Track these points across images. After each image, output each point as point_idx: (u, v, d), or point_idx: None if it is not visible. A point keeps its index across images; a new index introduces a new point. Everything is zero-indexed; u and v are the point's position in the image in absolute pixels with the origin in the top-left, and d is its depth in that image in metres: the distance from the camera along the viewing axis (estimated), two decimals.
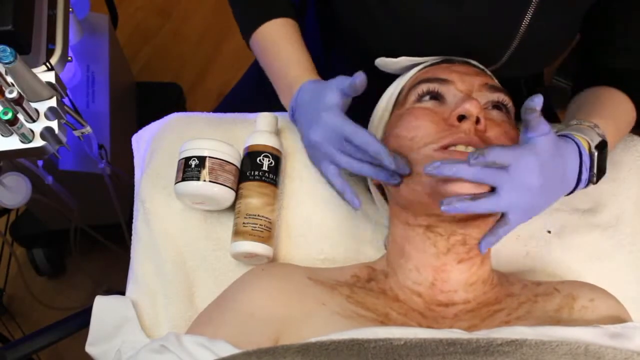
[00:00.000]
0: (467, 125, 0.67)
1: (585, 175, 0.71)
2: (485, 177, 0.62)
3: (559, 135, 0.71)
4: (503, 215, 0.66)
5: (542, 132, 0.63)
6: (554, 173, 0.66)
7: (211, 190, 0.80)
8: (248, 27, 0.87)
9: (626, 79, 0.82)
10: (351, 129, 0.70)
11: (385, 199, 0.80)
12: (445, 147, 0.67)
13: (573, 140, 0.71)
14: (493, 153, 0.60)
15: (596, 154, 0.71)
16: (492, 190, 0.64)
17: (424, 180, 0.66)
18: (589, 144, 0.71)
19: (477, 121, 0.67)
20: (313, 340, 0.58)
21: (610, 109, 0.80)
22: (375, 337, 0.58)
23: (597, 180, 0.72)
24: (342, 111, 0.73)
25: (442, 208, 0.62)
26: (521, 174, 0.63)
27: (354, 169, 0.72)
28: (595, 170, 0.71)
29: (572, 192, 0.72)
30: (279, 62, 0.84)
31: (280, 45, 0.84)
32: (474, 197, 0.62)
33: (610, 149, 0.75)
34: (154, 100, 1.74)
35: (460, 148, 0.66)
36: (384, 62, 0.79)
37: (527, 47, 0.79)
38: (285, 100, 0.84)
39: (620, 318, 0.70)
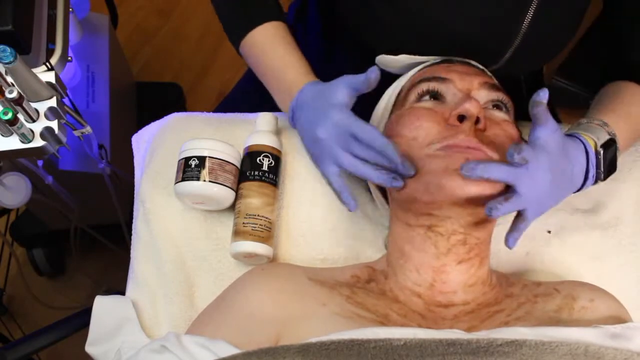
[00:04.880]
0: (467, 125, 0.67)
1: (592, 173, 0.72)
2: (510, 177, 0.63)
3: (566, 135, 0.72)
4: (521, 212, 0.68)
5: (551, 128, 0.65)
6: (562, 170, 0.68)
7: (211, 190, 0.80)
8: (237, 35, 0.85)
9: None
10: (359, 124, 0.70)
11: (386, 199, 0.80)
12: (446, 147, 0.67)
13: (579, 139, 0.72)
14: (526, 152, 0.62)
15: (602, 152, 0.72)
16: (507, 187, 0.65)
17: (426, 179, 0.66)
18: (595, 142, 0.72)
19: (477, 121, 0.67)
20: (313, 340, 0.58)
21: (625, 105, 0.80)
22: (375, 338, 0.58)
23: (606, 177, 0.74)
24: (349, 109, 0.72)
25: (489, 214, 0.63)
26: (536, 172, 0.64)
27: (357, 171, 0.71)
28: (602, 169, 0.73)
29: (579, 189, 0.73)
30: (274, 66, 0.83)
31: (273, 49, 0.83)
32: (504, 199, 0.64)
33: (625, 146, 0.76)
34: (154, 100, 1.74)
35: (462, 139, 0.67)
36: (385, 60, 0.79)
37: (528, 46, 0.79)
38: (283, 104, 0.83)
39: (620, 318, 0.70)
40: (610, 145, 0.73)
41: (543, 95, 0.63)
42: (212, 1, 0.88)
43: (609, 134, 0.74)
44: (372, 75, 0.69)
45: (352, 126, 0.70)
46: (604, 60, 0.88)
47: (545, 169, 0.65)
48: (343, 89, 0.72)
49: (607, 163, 0.73)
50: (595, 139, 0.73)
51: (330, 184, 0.76)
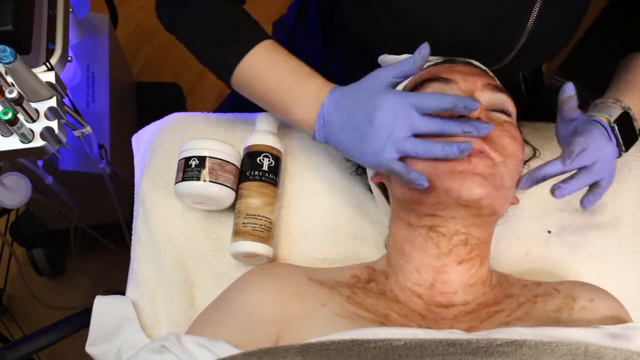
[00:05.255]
0: None
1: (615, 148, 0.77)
2: (589, 178, 0.74)
3: None
4: (596, 183, 0.76)
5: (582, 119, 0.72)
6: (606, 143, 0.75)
7: (211, 190, 0.80)
8: (228, 65, 0.77)
9: None
10: (418, 93, 0.67)
11: (387, 198, 0.80)
12: None
13: (595, 120, 0.76)
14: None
15: (616, 127, 0.76)
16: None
17: (432, 182, 0.66)
18: (608, 119, 0.76)
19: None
20: (313, 340, 0.58)
21: (638, 75, 0.83)
22: (375, 338, 0.58)
23: (628, 149, 0.78)
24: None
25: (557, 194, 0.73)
26: (594, 151, 0.72)
27: (420, 149, 0.65)
28: (620, 142, 0.76)
29: None
30: (288, 80, 0.75)
31: (280, 65, 0.76)
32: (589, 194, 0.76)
33: None
34: (154, 100, 1.74)
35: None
36: (387, 60, 0.79)
37: (531, 46, 0.79)
38: (304, 115, 0.74)
39: (620, 318, 0.70)
40: (624, 118, 0.76)
41: (568, 89, 0.69)
42: (191, 48, 0.81)
43: (623, 108, 0.77)
44: (422, 52, 0.66)
45: (412, 97, 0.66)
46: (615, 43, 0.90)
47: (597, 145, 0.73)
48: (388, 73, 0.68)
49: (624, 135, 0.76)
50: (607, 116, 0.76)
51: (390, 171, 0.68)
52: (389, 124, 0.66)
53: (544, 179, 0.73)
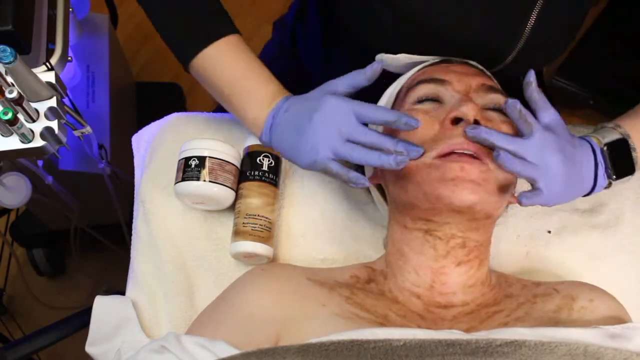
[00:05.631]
0: (462, 128, 0.66)
1: (601, 172, 0.71)
2: (512, 146, 0.64)
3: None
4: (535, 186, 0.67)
5: (553, 112, 0.67)
6: (572, 155, 0.68)
7: (211, 190, 0.80)
8: (192, 49, 0.76)
9: None
10: (363, 103, 0.66)
11: (385, 199, 0.80)
12: (443, 155, 0.66)
13: (585, 139, 0.72)
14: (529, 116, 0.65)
15: (606, 149, 0.71)
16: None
17: (424, 188, 0.66)
18: (599, 140, 0.72)
19: (476, 123, 0.67)
20: (313, 341, 0.59)
21: None
22: (374, 338, 0.58)
23: (618, 178, 0.72)
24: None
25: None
26: (545, 149, 0.65)
27: (355, 156, 0.66)
28: (609, 165, 0.71)
29: (592, 190, 0.72)
30: (244, 80, 0.76)
31: (241, 61, 0.76)
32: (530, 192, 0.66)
33: None
34: (154, 100, 1.74)
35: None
36: (384, 59, 0.79)
37: (532, 48, 0.79)
38: (254, 117, 0.75)
39: (619, 318, 0.70)
40: (619, 145, 0.72)
41: (530, 75, 0.66)
42: (157, 25, 0.81)
43: (621, 135, 0.72)
44: (374, 66, 0.67)
45: (356, 105, 0.66)
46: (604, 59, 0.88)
47: (554, 148, 0.65)
48: (339, 82, 0.70)
49: (615, 161, 0.72)
50: (600, 138, 0.72)
51: (327, 171, 0.69)
52: (327, 123, 0.66)
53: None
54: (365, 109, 0.66)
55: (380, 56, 0.79)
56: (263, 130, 0.74)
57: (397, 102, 0.77)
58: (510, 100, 0.66)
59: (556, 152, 0.65)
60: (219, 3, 0.78)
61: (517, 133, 0.69)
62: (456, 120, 0.67)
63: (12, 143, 0.82)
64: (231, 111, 0.79)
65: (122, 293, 0.85)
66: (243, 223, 0.79)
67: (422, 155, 0.65)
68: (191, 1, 0.77)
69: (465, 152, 0.65)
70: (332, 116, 0.67)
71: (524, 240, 0.85)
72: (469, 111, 0.66)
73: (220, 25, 0.77)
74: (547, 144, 0.65)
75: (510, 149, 0.64)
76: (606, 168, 0.71)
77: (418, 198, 0.67)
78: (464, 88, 0.72)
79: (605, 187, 0.73)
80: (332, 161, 0.67)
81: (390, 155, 0.64)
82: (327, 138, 0.66)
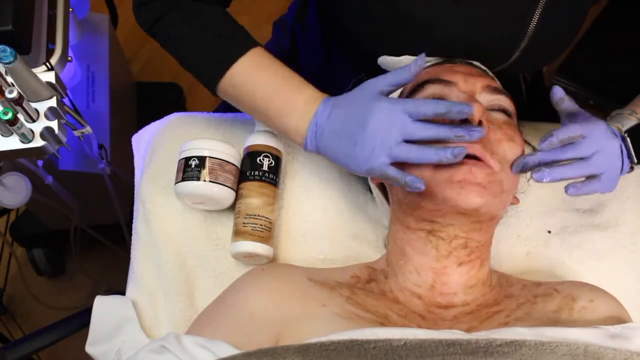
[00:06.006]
0: None
1: (625, 157, 0.72)
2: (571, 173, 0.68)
3: None
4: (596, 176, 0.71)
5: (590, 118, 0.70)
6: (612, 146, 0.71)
7: (211, 190, 0.80)
8: (215, 72, 0.75)
9: None
10: (408, 101, 0.66)
11: (387, 199, 0.80)
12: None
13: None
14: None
15: (627, 136, 0.73)
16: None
17: (430, 190, 0.66)
18: (619, 128, 0.73)
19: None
20: (313, 340, 0.59)
21: None
22: (375, 338, 0.58)
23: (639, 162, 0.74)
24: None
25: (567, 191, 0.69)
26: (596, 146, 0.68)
27: (413, 155, 0.65)
28: (632, 152, 0.73)
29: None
30: (277, 89, 0.74)
31: (272, 72, 0.75)
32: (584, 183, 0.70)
33: None
34: (154, 100, 1.74)
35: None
36: (386, 61, 0.79)
37: (534, 48, 0.79)
38: (295, 124, 0.73)
39: (620, 318, 0.70)
40: (638, 130, 0.74)
41: (557, 91, 0.70)
42: (180, 58, 0.78)
43: (638, 120, 0.75)
44: (419, 61, 0.66)
45: (406, 104, 0.65)
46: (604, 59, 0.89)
47: (606, 137, 0.69)
48: (382, 81, 0.68)
49: (636, 147, 0.73)
50: (619, 126, 0.74)
51: (385, 176, 0.67)
52: (381, 129, 0.65)
53: (532, 167, 0.69)
54: (416, 106, 0.65)
55: (383, 58, 0.79)
56: (307, 139, 0.72)
57: None
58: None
59: (609, 139, 0.69)
60: (234, 20, 0.77)
61: (521, 133, 0.70)
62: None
63: (12, 143, 0.82)
64: (270, 126, 0.78)
65: (122, 293, 0.85)
66: (243, 223, 0.79)
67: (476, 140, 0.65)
68: (206, 24, 0.75)
69: (471, 154, 0.65)
70: (386, 120, 0.65)
71: (524, 240, 0.85)
72: (475, 113, 0.66)
73: (241, 41, 0.75)
74: (599, 132, 0.69)
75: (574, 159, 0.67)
76: (628, 154, 0.73)
77: (423, 198, 0.67)
78: (469, 89, 0.72)
79: (628, 172, 0.74)
80: (389, 166, 0.66)
81: (447, 149, 0.63)
82: (383, 142, 0.66)
